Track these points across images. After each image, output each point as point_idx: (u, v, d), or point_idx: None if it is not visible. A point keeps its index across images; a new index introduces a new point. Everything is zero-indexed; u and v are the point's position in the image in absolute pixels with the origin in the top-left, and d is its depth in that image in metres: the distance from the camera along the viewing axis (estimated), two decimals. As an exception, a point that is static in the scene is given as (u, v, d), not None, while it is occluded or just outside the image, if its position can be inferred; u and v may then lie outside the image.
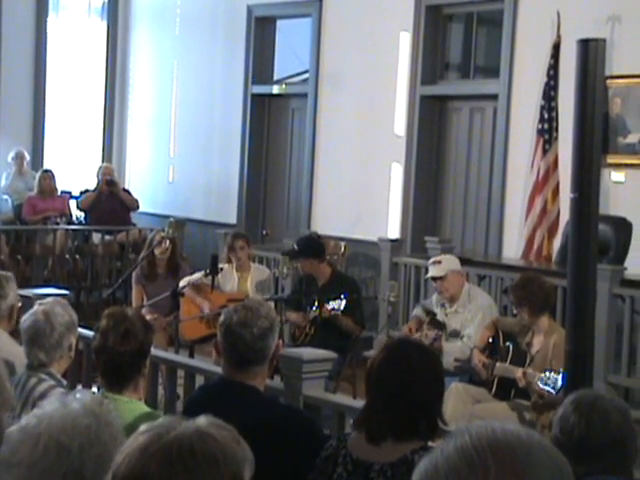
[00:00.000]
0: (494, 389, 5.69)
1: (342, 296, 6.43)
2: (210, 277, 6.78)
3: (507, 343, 5.72)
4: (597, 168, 4.08)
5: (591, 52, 4.00)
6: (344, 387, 6.58)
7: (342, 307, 6.43)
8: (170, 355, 5.67)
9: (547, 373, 5.11)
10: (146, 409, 3.25)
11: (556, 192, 7.82)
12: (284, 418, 3.25)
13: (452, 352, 6.07)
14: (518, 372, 5.39)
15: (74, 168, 12.32)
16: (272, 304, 5.88)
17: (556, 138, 7.82)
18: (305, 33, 10.36)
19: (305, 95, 10.29)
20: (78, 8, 12.41)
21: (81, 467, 1.76)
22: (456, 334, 6.24)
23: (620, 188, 7.68)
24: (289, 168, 10.75)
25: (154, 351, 3.73)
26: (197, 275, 7.09)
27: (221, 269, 7.05)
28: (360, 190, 9.61)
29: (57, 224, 10.43)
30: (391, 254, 8.45)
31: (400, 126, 9.31)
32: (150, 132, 12.30)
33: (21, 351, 3.84)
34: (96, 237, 10.49)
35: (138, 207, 10.87)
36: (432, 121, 9.29)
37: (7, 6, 11.53)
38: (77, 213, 11.16)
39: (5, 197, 11.10)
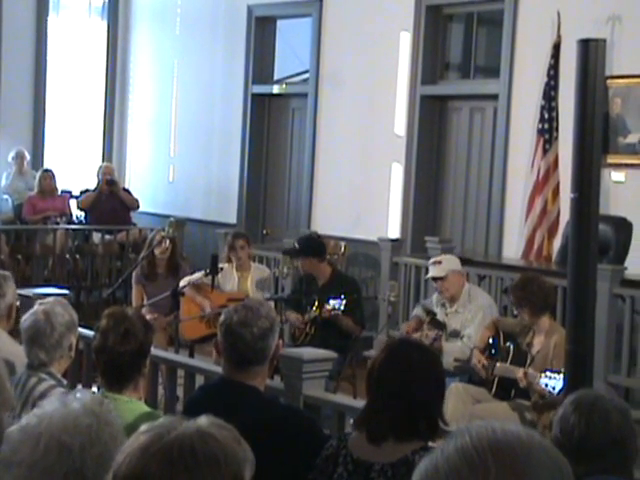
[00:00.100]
0: (494, 389, 5.69)
1: (342, 296, 6.43)
2: (210, 277, 6.77)
3: (508, 343, 5.72)
4: (597, 168, 4.07)
5: (591, 52, 3.99)
6: (344, 387, 6.57)
7: (342, 307, 6.43)
8: (170, 355, 5.66)
9: (548, 373, 5.12)
10: (146, 409, 3.25)
11: (556, 192, 7.82)
12: (284, 418, 3.25)
13: (452, 352, 6.07)
14: (519, 372, 5.39)
15: (74, 168, 12.32)
16: (272, 304, 5.88)
17: (556, 138, 7.82)
18: (305, 33, 10.36)
19: (305, 95, 10.29)
20: (78, 8, 12.42)
21: (82, 467, 1.76)
22: (456, 334, 6.24)
23: (620, 188, 7.68)
24: (289, 168, 10.75)
25: (154, 351, 3.74)
26: (197, 275, 7.08)
27: (221, 269, 7.04)
28: (360, 190, 9.60)
29: (57, 224, 10.43)
30: (391, 254, 8.45)
31: (400, 126, 9.30)
32: (150, 132, 12.30)
33: (21, 351, 3.84)
34: (96, 237, 10.48)
35: (138, 207, 10.87)
36: (432, 121, 9.29)
37: (7, 6, 11.53)
38: (77, 213, 11.16)
39: (5, 197, 11.10)
